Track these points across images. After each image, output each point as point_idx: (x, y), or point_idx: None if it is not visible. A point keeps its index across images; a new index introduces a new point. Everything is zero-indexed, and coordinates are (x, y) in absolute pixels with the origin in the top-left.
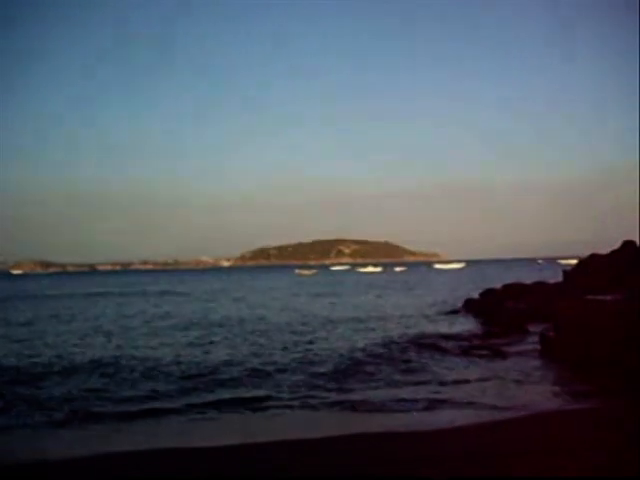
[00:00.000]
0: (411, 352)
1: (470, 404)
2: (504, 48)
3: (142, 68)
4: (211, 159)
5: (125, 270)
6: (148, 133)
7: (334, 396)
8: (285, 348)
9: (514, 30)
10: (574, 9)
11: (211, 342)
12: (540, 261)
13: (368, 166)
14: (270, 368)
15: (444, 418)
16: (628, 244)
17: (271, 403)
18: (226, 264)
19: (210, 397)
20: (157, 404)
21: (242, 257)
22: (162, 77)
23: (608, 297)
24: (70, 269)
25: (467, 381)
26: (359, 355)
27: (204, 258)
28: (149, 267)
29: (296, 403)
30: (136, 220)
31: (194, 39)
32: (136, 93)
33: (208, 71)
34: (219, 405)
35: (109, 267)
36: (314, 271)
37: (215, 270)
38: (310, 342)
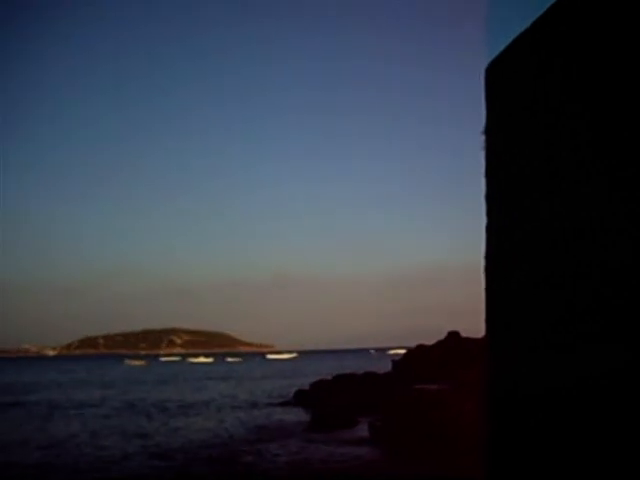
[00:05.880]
0: (242, 445)
1: None
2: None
3: None
4: (34, 242)
5: None
6: None
7: None
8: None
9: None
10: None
11: None
12: (372, 351)
13: (202, 254)
14: None
15: None
16: (452, 334)
17: None
18: (51, 353)
19: None
20: None
21: (68, 346)
22: None
23: (433, 386)
24: None
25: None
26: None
27: (26, 346)
28: None
29: None
30: None
31: None
32: None
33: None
34: None
35: None
36: (144, 361)
37: (40, 359)
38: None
